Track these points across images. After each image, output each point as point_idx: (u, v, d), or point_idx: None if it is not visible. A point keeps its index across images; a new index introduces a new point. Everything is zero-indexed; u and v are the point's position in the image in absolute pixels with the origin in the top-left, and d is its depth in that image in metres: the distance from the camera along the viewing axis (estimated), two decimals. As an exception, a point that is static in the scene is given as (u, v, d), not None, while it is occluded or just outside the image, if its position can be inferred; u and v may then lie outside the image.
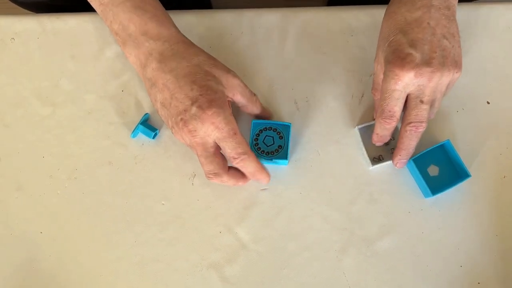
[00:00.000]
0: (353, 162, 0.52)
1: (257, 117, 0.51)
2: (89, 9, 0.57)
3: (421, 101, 0.44)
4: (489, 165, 0.51)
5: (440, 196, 0.50)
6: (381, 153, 0.51)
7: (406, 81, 0.43)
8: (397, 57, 0.43)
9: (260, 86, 0.54)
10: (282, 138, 0.51)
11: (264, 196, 0.51)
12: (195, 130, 0.43)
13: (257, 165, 0.46)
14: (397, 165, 0.49)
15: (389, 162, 0.51)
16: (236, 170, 0.47)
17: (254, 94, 0.49)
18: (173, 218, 0.51)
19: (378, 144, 0.50)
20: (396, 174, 0.51)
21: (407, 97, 0.45)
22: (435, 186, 0.49)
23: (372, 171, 0.51)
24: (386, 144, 0.51)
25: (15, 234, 0.51)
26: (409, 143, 0.47)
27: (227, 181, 0.47)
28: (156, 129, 0.52)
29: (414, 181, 0.51)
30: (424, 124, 0.46)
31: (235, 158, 0.45)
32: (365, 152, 0.51)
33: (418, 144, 0.51)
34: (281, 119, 0.53)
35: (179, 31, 0.48)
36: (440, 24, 0.44)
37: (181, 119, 0.43)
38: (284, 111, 0.53)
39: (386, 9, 0.47)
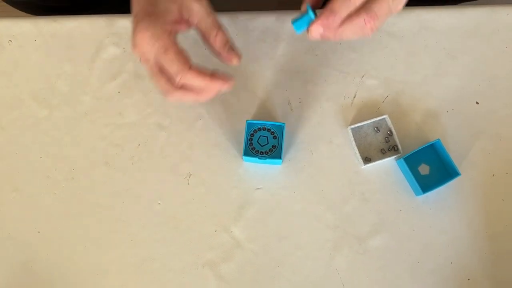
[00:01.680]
0: (345, 161, 0.53)
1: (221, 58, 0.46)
2: (80, 11, 0.58)
3: None
4: (478, 163, 0.52)
5: (430, 194, 0.51)
6: (373, 154, 0.52)
7: None
8: None
9: (254, 87, 0.55)
10: (276, 138, 0.51)
11: (258, 195, 0.52)
12: (135, 46, 0.41)
13: (202, 79, 0.41)
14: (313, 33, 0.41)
15: (380, 162, 0.52)
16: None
17: (219, 27, 0.44)
18: (168, 217, 0.52)
19: (319, 29, 0.41)
20: (387, 173, 0.52)
21: None
22: (426, 184, 0.50)
23: (364, 171, 0.52)
24: (387, 141, 0.52)
25: (12, 234, 0.52)
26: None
27: (182, 97, 0.43)
28: None
29: (405, 179, 0.52)
30: (377, 20, 0.39)
31: (176, 76, 0.41)
32: (357, 152, 0.52)
33: (409, 144, 0.52)
34: (275, 119, 0.54)
35: None
36: None
37: (132, 32, 0.42)
38: (278, 112, 0.54)
39: None
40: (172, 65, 0.41)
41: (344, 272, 0.50)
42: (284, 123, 0.51)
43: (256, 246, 0.51)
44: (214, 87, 0.43)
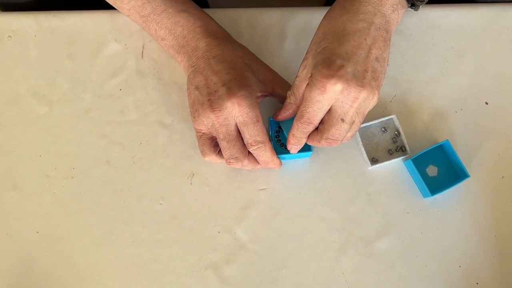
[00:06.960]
0: (352, 162, 0.52)
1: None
2: (72, 7, 0.57)
3: (342, 120, 0.42)
4: (487, 165, 0.51)
5: (438, 196, 0.50)
6: (380, 154, 0.51)
7: (331, 95, 0.40)
8: (327, 67, 0.40)
9: (259, 86, 0.54)
10: None
11: (262, 196, 0.51)
12: (220, 110, 0.44)
13: (271, 155, 0.47)
14: (292, 150, 0.48)
15: (388, 163, 0.51)
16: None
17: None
18: (170, 218, 0.51)
19: (293, 147, 0.47)
20: (394, 174, 0.51)
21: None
22: (434, 186, 0.49)
23: (370, 172, 0.51)
24: (394, 142, 0.51)
25: (11, 233, 0.51)
26: (315, 145, 0.46)
27: (246, 165, 0.47)
28: None
29: (412, 181, 0.51)
30: (338, 142, 0.44)
31: (252, 145, 0.45)
32: (364, 153, 0.51)
33: (416, 144, 0.51)
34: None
35: (225, 30, 0.51)
36: (376, 44, 0.42)
37: (209, 99, 0.44)
38: (283, 111, 0.53)
39: (326, 13, 0.45)
40: (257, 135, 0.45)
41: (350, 275, 0.49)
42: None
43: (260, 248, 0.50)
44: (278, 163, 0.48)
